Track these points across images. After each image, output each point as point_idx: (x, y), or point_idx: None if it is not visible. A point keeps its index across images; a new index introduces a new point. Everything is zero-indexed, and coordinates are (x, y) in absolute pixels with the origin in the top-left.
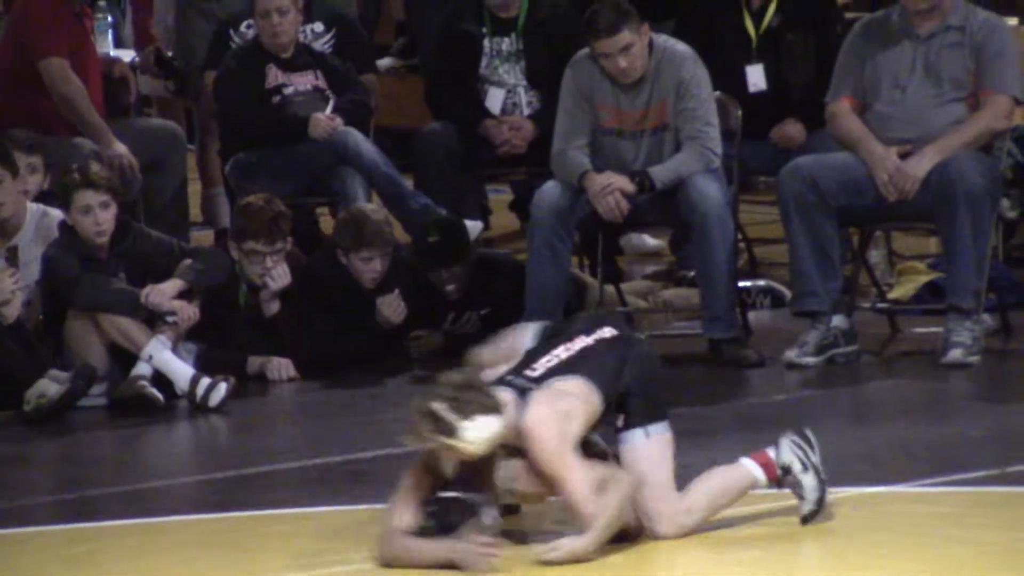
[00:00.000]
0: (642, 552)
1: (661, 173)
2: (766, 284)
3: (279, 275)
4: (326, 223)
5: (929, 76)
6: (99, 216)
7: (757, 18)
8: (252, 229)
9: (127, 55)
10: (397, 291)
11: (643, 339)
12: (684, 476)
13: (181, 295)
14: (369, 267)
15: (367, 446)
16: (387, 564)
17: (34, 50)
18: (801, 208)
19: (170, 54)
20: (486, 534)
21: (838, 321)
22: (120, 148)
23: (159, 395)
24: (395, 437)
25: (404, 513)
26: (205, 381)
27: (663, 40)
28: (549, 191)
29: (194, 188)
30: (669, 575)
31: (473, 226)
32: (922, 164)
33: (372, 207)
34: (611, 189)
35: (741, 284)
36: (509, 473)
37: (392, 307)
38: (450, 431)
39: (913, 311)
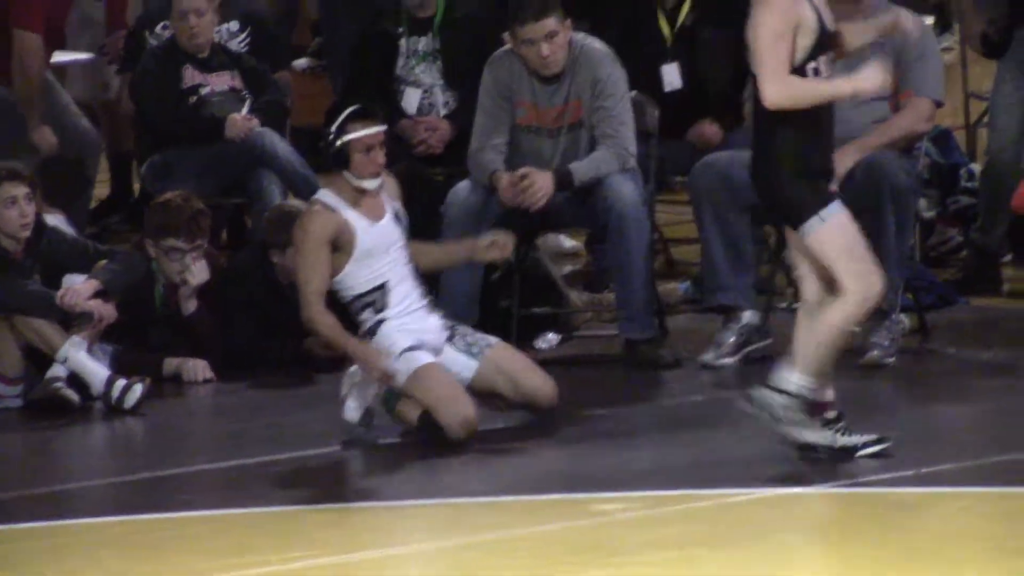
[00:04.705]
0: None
1: (580, 170)
2: None
3: (198, 271)
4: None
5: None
6: (24, 208)
7: (672, 16)
8: (172, 226)
9: None
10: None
11: None
12: (599, 479)
13: (96, 296)
14: None
15: (284, 448)
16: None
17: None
18: (713, 203)
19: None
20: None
21: (749, 317)
22: (43, 132)
23: (75, 396)
24: (311, 439)
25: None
26: (121, 383)
27: (581, 37)
28: (461, 190)
29: None
30: None
31: None
32: (843, 162)
33: (301, 203)
34: (528, 182)
35: None
36: None
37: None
38: None
39: None
